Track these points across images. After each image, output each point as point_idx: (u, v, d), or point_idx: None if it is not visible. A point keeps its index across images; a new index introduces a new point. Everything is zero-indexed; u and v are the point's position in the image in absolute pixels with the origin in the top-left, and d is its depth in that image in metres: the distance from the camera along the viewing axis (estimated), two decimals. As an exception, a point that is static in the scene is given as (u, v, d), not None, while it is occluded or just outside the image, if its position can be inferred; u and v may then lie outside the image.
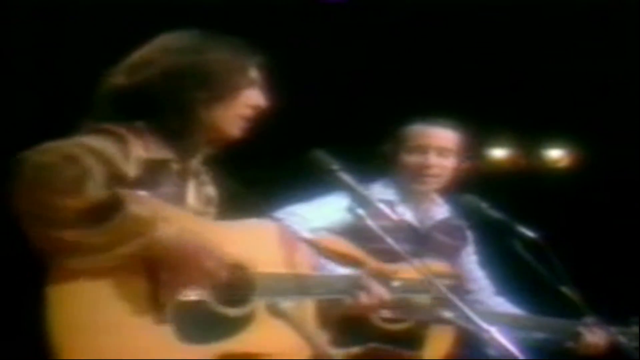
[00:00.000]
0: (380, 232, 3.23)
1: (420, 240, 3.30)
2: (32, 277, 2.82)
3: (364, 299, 3.36)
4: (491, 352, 3.20)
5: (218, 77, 3.02)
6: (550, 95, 5.75)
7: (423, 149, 3.98)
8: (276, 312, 2.90)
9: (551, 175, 6.27)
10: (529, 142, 6.31)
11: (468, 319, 3.07)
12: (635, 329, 3.96)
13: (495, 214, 3.98)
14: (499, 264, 4.11)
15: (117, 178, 2.84)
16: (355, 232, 3.66)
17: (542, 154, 6.32)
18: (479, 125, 5.47)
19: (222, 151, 3.13)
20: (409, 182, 3.95)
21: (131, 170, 2.88)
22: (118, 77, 3.01)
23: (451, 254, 3.99)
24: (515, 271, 3.90)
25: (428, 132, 4.01)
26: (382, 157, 4.00)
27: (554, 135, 6.21)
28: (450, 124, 4.05)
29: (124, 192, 2.79)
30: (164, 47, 3.03)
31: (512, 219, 3.95)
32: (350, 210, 3.35)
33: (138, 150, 2.91)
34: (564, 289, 3.84)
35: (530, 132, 6.16)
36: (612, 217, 5.75)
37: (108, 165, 2.83)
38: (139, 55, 3.03)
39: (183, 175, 3.03)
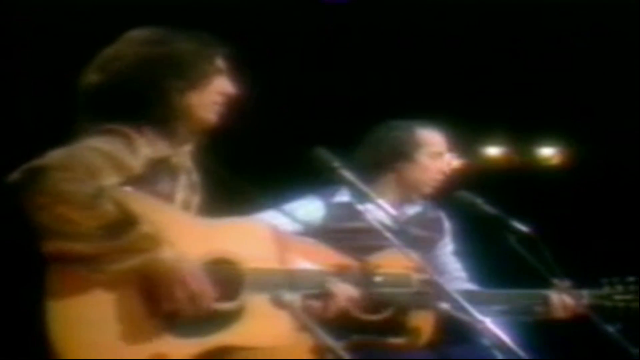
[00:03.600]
0: (379, 228, 3.31)
1: (393, 236, 3.33)
2: (34, 278, 2.94)
3: (331, 301, 3.35)
4: (485, 341, 3.28)
5: (187, 65, 3.10)
6: (542, 96, 5.80)
7: (442, 155, 4.11)
8: (280, 303, 2.94)
9: (544, 172, 6.32)
10: (523, 140, 6.36)
11: (462, 308, 3.21)
12: (606, 290, 4.00)
13: (489, 209, 4.04)
14: (493, 257, 4.21)
15: (127, 178, 2.96)
16: (325, 234, 3.77)
17: (535, 152, 6.38)
18: (476, 124, 5.57)
19: (215, 144, 3.21)
20: (423, 185, 4.05)
21: (138, 168, 2.99)
22: (90, 76, 3.09)
23: (427, 246, 4.04)
24: (509, 264, 3.95)
25: (441, 138, 4.12)
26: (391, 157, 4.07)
27: (546, 134, 6.26)
28: (437, 126, 4.14)
29: (135, 210, 2.90)
30: (131, 41, 3.11)
31: (506, 214, 4.01)
32: (351, 206, 3.48)
33: (144, 149, 3.01)
34: (556, 281, 3.91)
35: (523, 131, 6.21)
36: (603, 211, 5.82)
37: (122, 170, 2.95)
38: (107, 51, 3.11)
39: (176, 168, 3.12)
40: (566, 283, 3.94)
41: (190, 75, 3.11)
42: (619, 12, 5.33)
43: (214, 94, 3.16)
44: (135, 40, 3.12)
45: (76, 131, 3.06)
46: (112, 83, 3.07)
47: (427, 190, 4.10)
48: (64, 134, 3.04)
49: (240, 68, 3.25)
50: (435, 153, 4.11)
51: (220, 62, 3.17)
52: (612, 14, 5.37)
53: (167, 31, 3.14)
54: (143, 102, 3.07)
